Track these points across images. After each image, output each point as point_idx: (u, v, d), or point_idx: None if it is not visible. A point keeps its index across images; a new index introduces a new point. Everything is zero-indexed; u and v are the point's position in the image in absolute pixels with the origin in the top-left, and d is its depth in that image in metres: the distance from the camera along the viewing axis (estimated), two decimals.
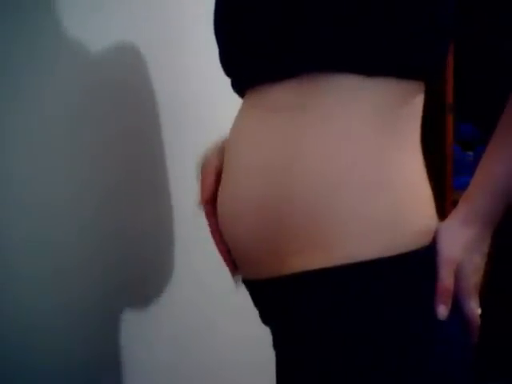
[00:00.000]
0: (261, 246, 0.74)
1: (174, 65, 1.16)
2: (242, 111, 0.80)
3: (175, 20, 1.17)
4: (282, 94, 0.73)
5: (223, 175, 0.81)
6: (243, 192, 0.74)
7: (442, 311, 0.70)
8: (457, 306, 0.72)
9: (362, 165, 0.69)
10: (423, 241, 0.71)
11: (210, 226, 0.84)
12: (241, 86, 0.81)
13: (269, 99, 0.74)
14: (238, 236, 0.77)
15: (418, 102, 0.74)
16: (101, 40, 0.98)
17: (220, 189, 0.81)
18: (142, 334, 1.10)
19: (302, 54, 0.70)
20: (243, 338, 1.01)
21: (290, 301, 0.73)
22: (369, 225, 0.69)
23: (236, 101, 0.83)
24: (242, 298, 0.85)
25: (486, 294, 0.83)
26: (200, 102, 1.23)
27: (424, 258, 0.71)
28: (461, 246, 0.72)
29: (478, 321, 0.74)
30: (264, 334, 0.84)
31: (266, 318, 0.83)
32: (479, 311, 0.75)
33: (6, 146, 0.83)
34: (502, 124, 0.72)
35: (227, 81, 0.83)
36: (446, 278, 0.71)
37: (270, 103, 0.73)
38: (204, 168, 0.86)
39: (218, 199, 0.81)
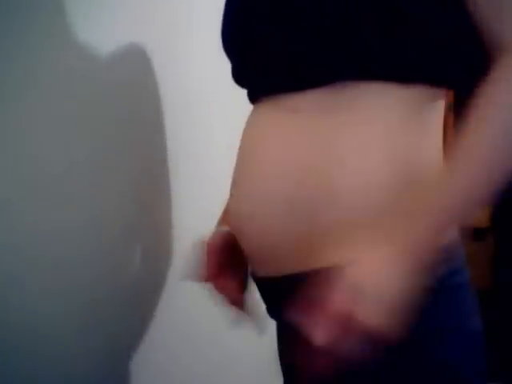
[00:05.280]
0: (287, 244, 0.74)
1: (179, 65, 1.16)
2: (258, 113, 0.80)
3: (180, 20, 1.17)
4: (311, 97, 0.73)
5: (238, 176, 0.81)
6: (269, 192, 0.74)
7: None
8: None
9: (395, 165, 0.71)
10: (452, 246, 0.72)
11: (227, 294, 0.89)
12: (259, 95, 0.80)
13: (294, 101, 0.74)
14: (261, 234, 0.76)
15: (441, 106, 0.77)
16: (106, 41, 0.98)
17: (236, 189, 0.81)
18: (149, 339, 1.10)
19: (334, 65, 0.70)
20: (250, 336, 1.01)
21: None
22: None
23: (241, 102, 0.83)
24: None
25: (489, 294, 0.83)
26: (204, 102, 1.23)
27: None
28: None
29: None
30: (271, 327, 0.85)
31: (275, 313, 0.83)
32: None
33: (6, 146, 0.83)
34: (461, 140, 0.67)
35: (231, 81, 0.83)
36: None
37: (296, 105, 0.74)
38: (207, 246, 0.90)
39: (234, 198, 0.81)
